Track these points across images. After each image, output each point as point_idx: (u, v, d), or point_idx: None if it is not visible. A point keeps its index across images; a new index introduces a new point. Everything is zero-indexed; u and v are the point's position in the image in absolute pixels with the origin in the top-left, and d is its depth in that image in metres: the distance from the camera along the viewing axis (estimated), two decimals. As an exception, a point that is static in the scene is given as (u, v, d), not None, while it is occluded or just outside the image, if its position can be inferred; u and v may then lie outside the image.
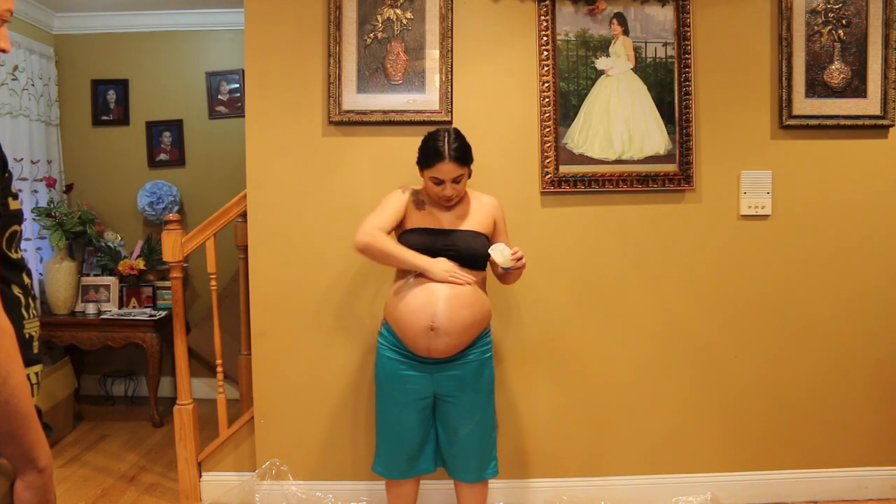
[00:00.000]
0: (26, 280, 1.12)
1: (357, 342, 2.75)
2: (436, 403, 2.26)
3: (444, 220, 2.27)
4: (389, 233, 2.25)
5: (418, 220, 2.26)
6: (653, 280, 2.78)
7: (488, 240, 2.28)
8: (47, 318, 3.80)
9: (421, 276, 2.17)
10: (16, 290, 1.09)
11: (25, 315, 1.11)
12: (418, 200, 2.31)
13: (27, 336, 1.11)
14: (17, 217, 1.10)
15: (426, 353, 2.16)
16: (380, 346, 2.29)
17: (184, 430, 2.81)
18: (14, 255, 1.09)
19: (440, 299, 2.11)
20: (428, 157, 2.20)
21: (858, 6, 2.73)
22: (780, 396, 2.82)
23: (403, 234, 2.26)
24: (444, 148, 2.17)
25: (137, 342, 3.83)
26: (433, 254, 2.17)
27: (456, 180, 2.20)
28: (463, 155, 2.20)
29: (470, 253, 2.20)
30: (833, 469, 2.84)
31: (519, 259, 2.17)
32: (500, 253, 2.15)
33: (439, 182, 2.20)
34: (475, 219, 2.29)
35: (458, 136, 2.22)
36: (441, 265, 2.15)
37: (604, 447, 2.82)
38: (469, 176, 2.27)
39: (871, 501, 2.83)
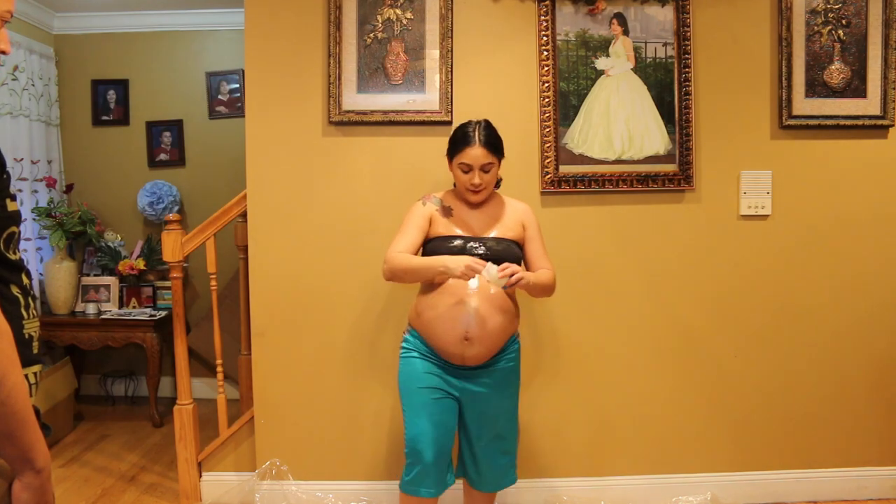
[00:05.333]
0: (25, 280, 1.12)
1: (358, 342, 2.75)
2: (462, 411, 2.21)
3: (474, 226, 2.23)
4: (418, 251, 2.21)
5: (445, 228, 2.21)
6: (652, 280, 2.78)
7: (518, 246, 2.24)
8: (47, 318, 3.81)
9: (449, 284, 2.12)
10: (14, 291, 1.09)
11: (25, 315, 1.11)
12: (444, 208, 2.26)
13: (27, 336, 1.11)
14: (15, 218, 1.11)
15: (461, 362, 2.13)
16: (406, 353, 2.22)
17: (184, 430, 2.81)
18: (12, 257, 1.09)
19: (473, 309, 2.08)
20: (457, 142, 2.19)
21: (858, 6, 2.73)
22: (779, 396, 2.82)
23: (431, 241, 2.21)
24: (473, 133, 2.17)
25: (137, 342, 3.83)
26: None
27: (485, 169, 2.17)
28: (493, 142, 2.19)
29: (495, 258, 2.11)
30: (833, 469, 2.84)
31: (511, 275, 1.99)
32: (487, 272, 2.00)
33: (468, 170, 2.17)
34: (504, 224, 2.24)
35: (489, 125, 2.23)
36: (458, 262, 2.02)
37: (604, 447, 2.81)
38: (498, 167, 2.23)
39: (871, 501, 2.83)
